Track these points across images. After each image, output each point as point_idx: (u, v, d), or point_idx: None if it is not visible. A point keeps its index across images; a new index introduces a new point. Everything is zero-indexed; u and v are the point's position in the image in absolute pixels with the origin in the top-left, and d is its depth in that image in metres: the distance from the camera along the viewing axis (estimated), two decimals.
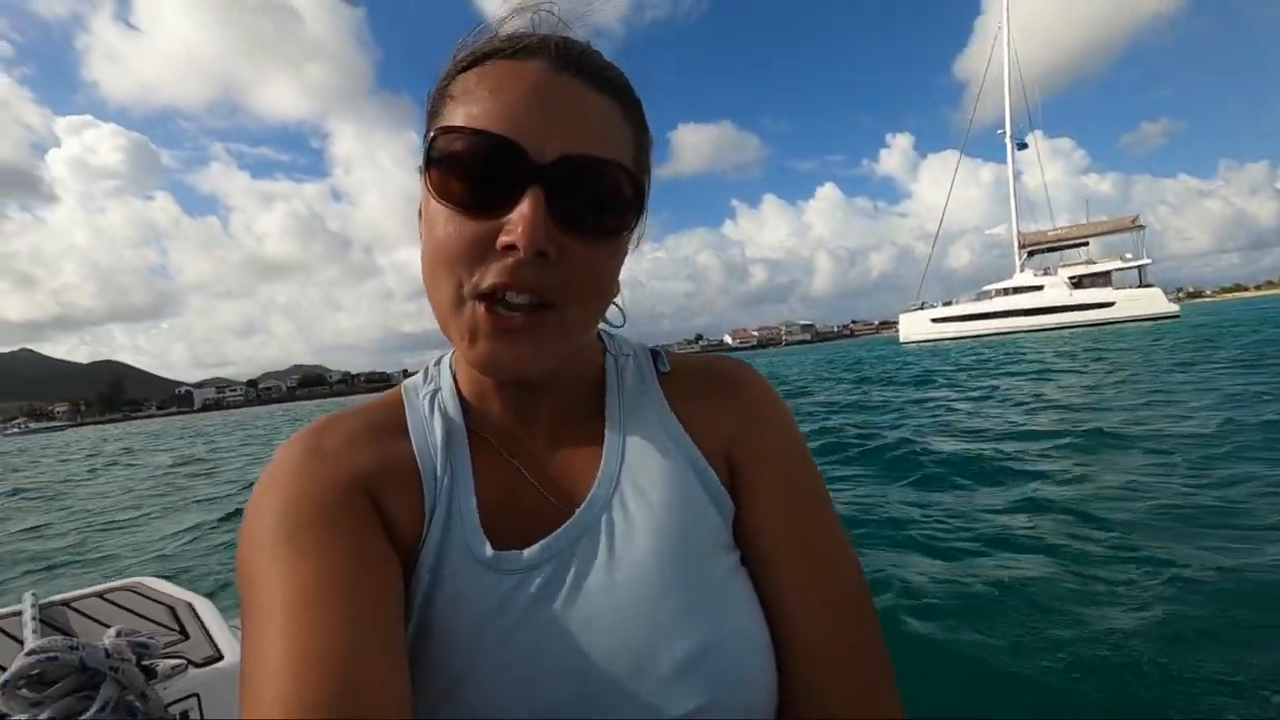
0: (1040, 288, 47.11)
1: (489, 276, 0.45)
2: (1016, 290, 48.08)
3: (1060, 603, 2.50)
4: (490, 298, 0.46)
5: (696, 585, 0.49)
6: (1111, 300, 44.31)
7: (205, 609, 1.19)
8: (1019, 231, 51.71)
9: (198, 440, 22.25)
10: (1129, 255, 46.25)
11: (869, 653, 0.51)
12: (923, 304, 53.05)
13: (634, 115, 0.52)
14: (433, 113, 0.51)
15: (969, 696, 2.06)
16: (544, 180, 0.45)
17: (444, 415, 0.56)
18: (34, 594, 1.13)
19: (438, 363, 0.63)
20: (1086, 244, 49.43)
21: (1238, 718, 1.76)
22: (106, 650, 0.82)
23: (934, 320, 50.50)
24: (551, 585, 0.49)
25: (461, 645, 0.47)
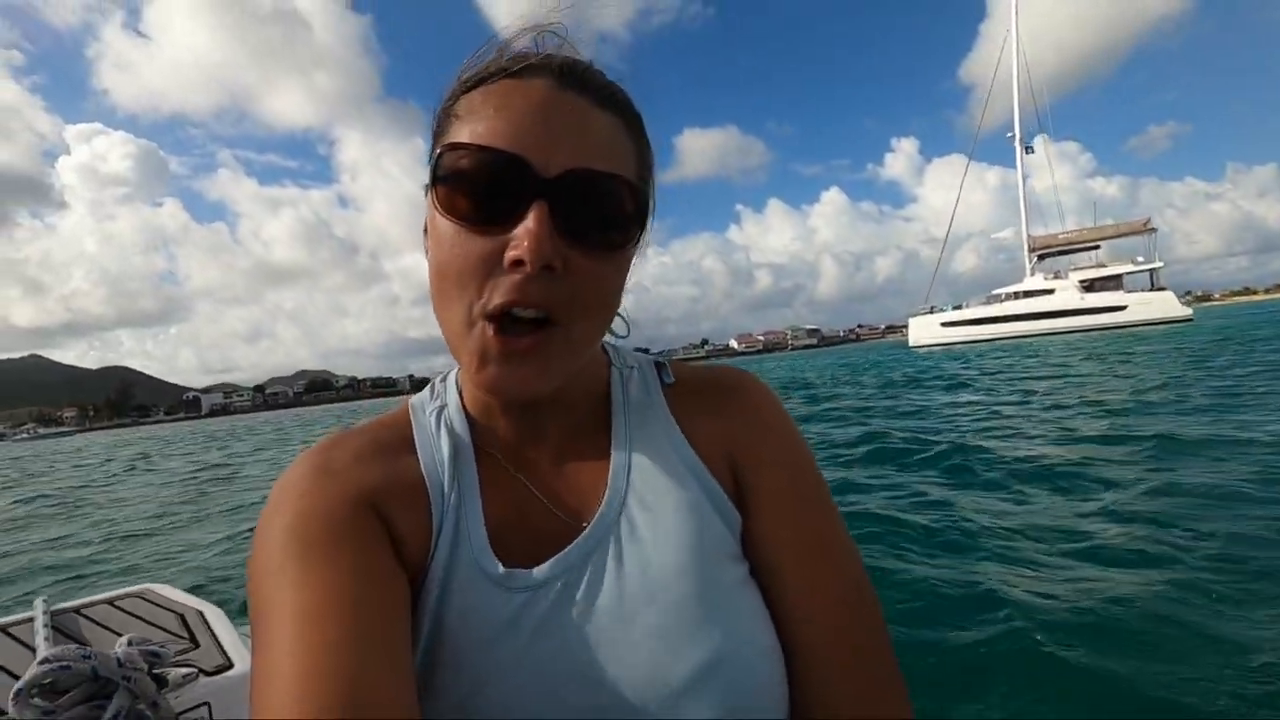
0: (1051, 291, 46.73)
1: (497, 295, 0.46)
2: (1027, 294, 47.71)
3: (1178, 620, 2.36)
4: (499, 318, 0.46)
5: (706, 597, 0.50)
6: (1124, 304, 43.90)
7: (215, 617, 1.18)
8: (1029, 235, 51.40)
9: (212, 446, 22.19)
10: (1140, 258, 45.89)
11: (876, 655, 0.52)
12: (932, 308, 52.75)
13: (636, 130, 0.53)
14: (438, 132, 0.52)
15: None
16: (549, 194, 0.45)
17: (451, 432, 0.57)
18: (45, 600, 1.13)
19: (444, 379, 0.63)
20: (1098, 247, 49.10)
21: None
22: (119, 659, 0.83)
23: (944, 324, 50.18)
24: (562, 602, 0.49)
25: (473, 662, 0.47)
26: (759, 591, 0.53)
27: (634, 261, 0.54)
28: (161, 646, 0.92)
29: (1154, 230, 45.96)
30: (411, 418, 0.59)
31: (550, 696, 0.46)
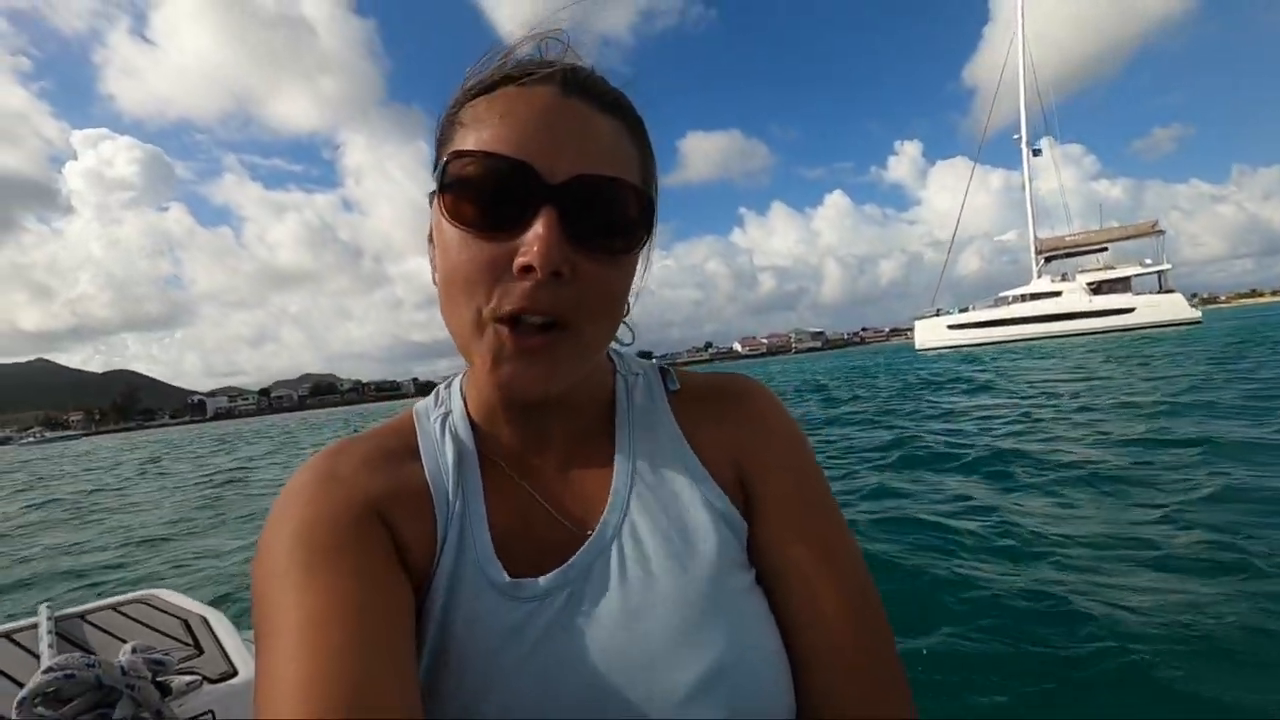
0: (1058, 294, 46.50)
1: (507, 301, 0.46)
2: (1034, 296, 47.49)
3: (1267, 631, 2.24)
4: (510, 322, 0.47)
5: (711, 605, 0.50)
6: (1132, 306, 43.63)
7: (219, 622, 1.18)
8: (1036, 237, 51.19)
9: (221, 450, 22.13)
10: (1148, 260, 45.64)
11: (880, 659, 0.52)
12: (938, 310, 52.54)
13: (640, 136, 0.53)
14: (443, 139, 0.52)
15: None
16: (556, 200, 0.45)
17: (455, 438, 0.57)
18: (49, 606, 1.13)
19: (448, 385, 0.63)
20: (1105, 249, 48.87)
21: None
22: (123, 667, 0.83)
23: (950, 327, 49.97)
24: (566, 611, 0.49)
25: (477, 669, 0.47)
26: (764, 598, 0.54)
27: (640, 267, 0.55)
28: (165, 654, 0.92)
29: (1162, 232, 45.76)
30: (416, 424, 0.59)
31: (554, 704, 0.46)
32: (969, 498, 4.40)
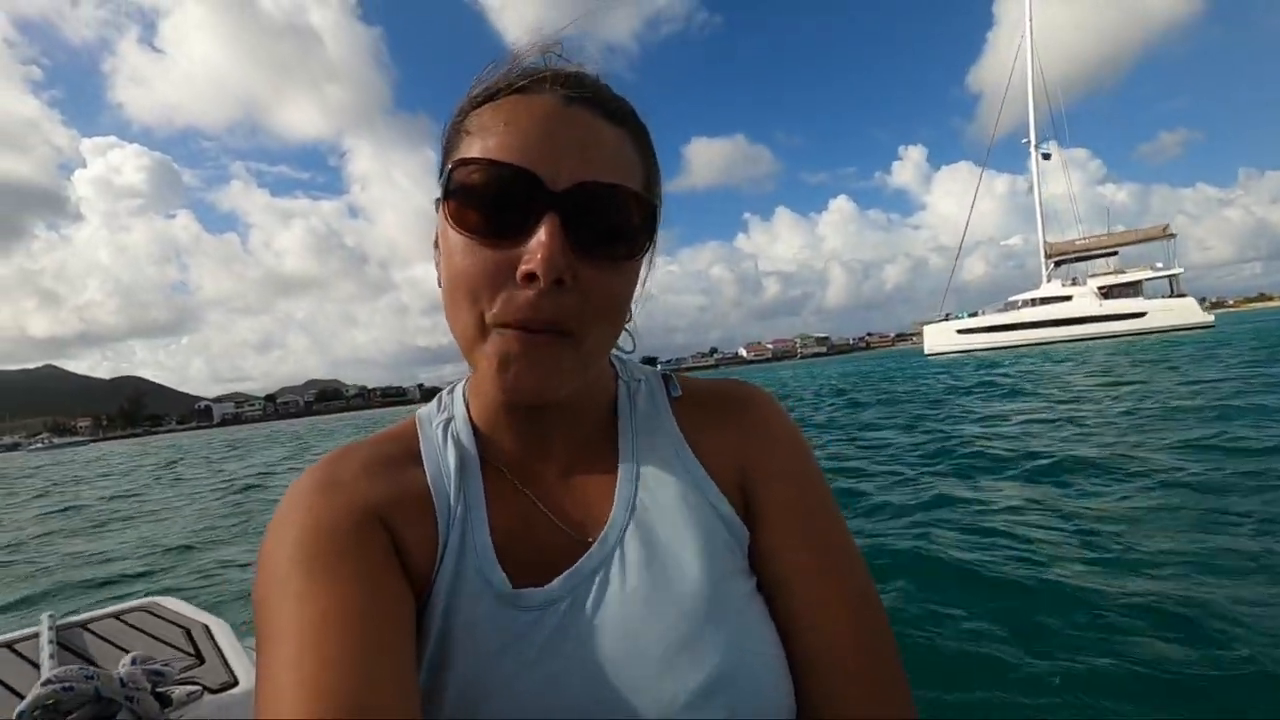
0: (1069, 298, 46.20)
1: (510, 310, 0.46)
2: (1044, 301, 47.19)
3: None
4: (511, 325, 0.47)
5: (713, 613, 0.50)
6: (1143, 310, 43.35)
7: (221, 631, 1.17)
8: (1045, 241, 50.91)
9: (231, 456, 22.02)
10: (1159, 264, 45.35)
11: (882, 666, 0.52)
12: (947, 315, 52.28)
13: (643, 144, 0.54)
14: (448, 148, 0.52)
15: None
16: (559, 207, 0.46)
17: (457, 444, 0.57)
18: (51, 615, 1.12)
19: (451, 391, 0.63)
20: (1115, 253, 48.58)
21: None
22: (122, 679, 0.83)
23: (959, 331, 49.67)
24: (568, 619, 0.49)
25: (477, 678, 0.47)
26: (765, 604, 0.54)
27: (644, 274, 0.55)
28: (165, 665, 0.92)
29: (1173, 236, 45.47)
30: (418, 430, 0.59)
31: (555, 712, 0.46)
32: (1041, 504, 4.21)
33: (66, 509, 10.42)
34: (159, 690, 0.87)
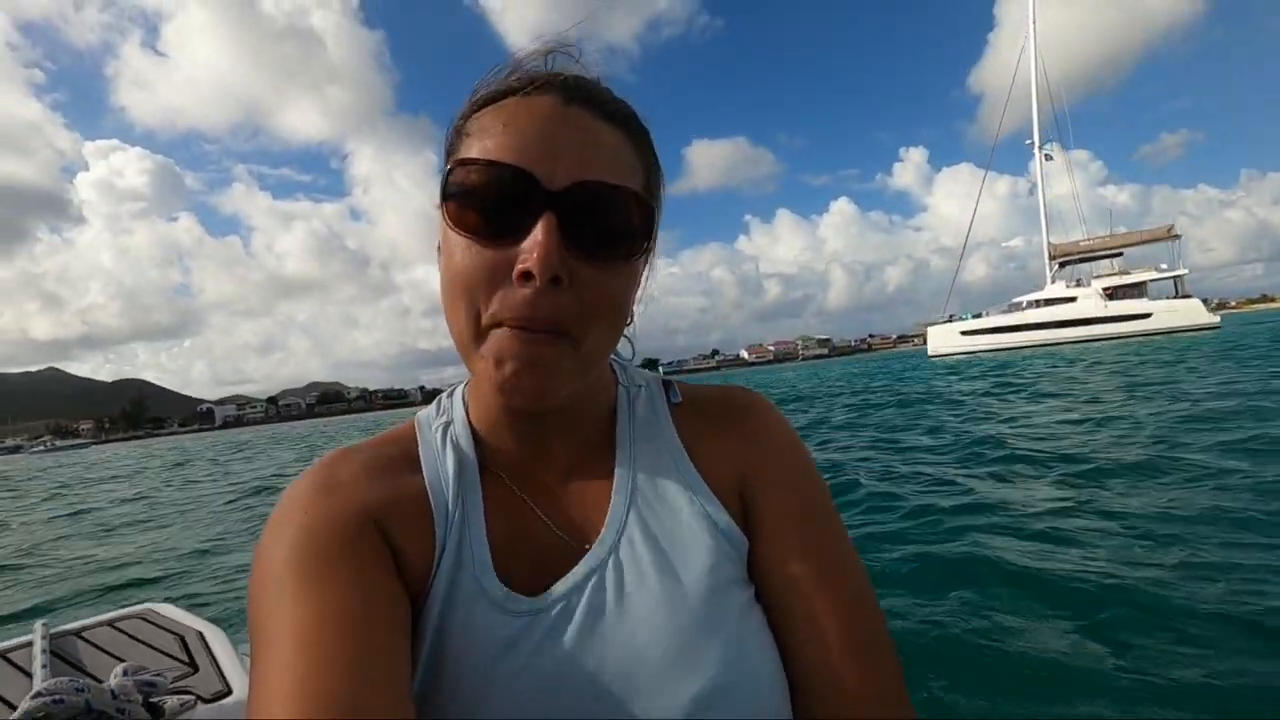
0: (1073, 299, 46.10)
1: (506, 310, 0.46)
2: (1049, 302, 47.07)
3: None
4: (508, 324, 0.47)
5: (709, 623, 0.50)
6: (1149, 311, 43.24)
7: (216, 638, 1.17)
8: (1049, 243, 50.79)
9: (236, 458, 21.93)
10: (1164, 265, 45.26)
11: (882, 676, 0.52)
12: (950, 316, 52.18)
13: (643, 145, 0.53)
14: (450, 150, 0.53)
15: None
16: (556, 207, 0.46)
17: (456, 448, 0.57)
18: (45, 623, 1.12)
19: (450, 394, 0.63)
20: (1120, 254, 48.49)
21: None
22: (113, 691, 0.83)
23: (964, 333, 49.55)
24: (562, 627, 0.49)
25: (471, 684, 0.47)
26: (764, 616, 0.53)
27: (644, 275, 0.55)
28: (158, 675, 0.92)
29: (1178, 237, 45.44)
30: (417, 433, 0.59)
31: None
32: (1090, 507, 4.08)
33: (77, 512, 10.30)
34: (151, 701, 0.86)
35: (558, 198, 0.46)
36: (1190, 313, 41.95)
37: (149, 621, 1.25)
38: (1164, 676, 2.12)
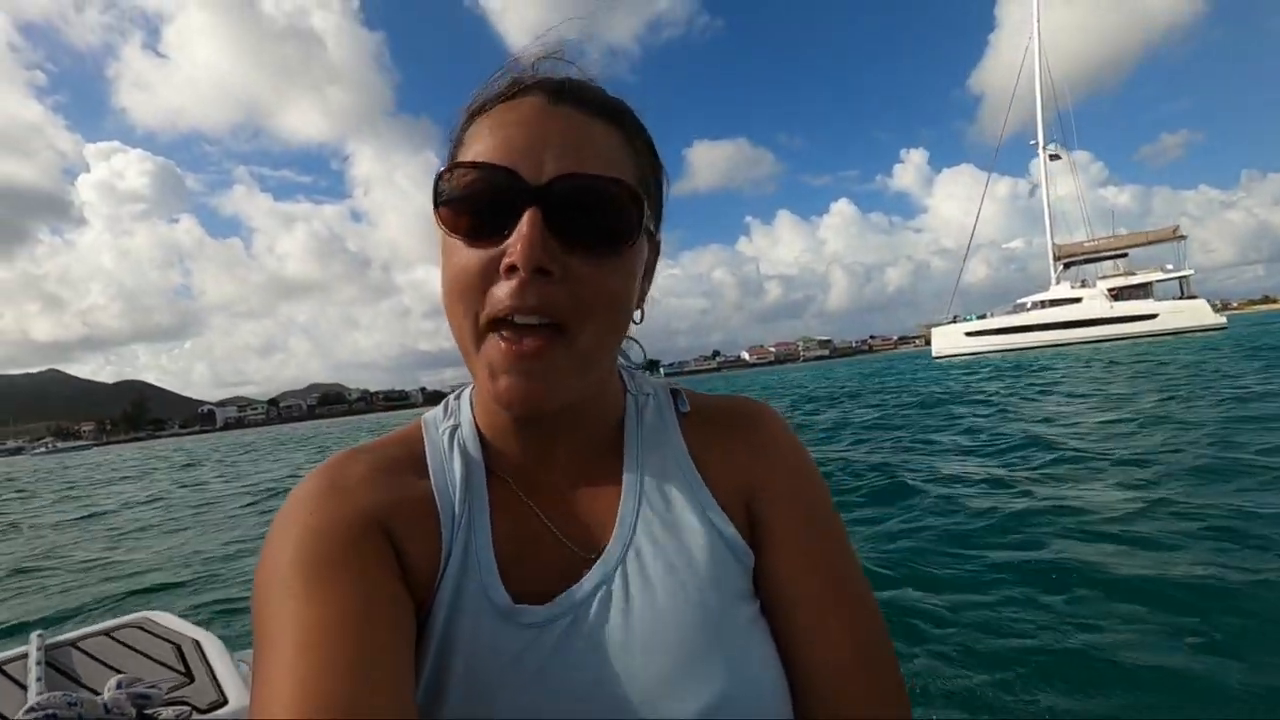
0: (1079, 300, 45.95)
1: (497, 303, 0.46)
2: (1054, 303, 46.92)
3: None
4: (503, 324, 0.47)
5: (714, 638, 0.50)
6: (1154, 312, 43.13)
7: (212, 647, 1.16)
8: (1054, 244, 50.67)
9: (242, 460, 21.78)
10: (1169, 266, 45.14)
11: (886, 691, 0.52)
12: (954, 317, 52.04)
13: (635, 138, 0.53)
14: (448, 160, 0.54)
15: None
16: (541, 200, 0.46)
17: (463, 452, 0.57)
18: (40, 634, 1.12)
19: (458, 396, 0.63)
20: (1125, 255, 48.37)
21: None
22: (105, 705, 0.83)
23: (968, 334, 49.41)
24: (568, 638, 0.49)
25: (476, 694, 0.47)
26: (769, 630, 0.53)
27: (644, 270, 0.55)
28: (152, 686, 0.92)
29: (1183, 238, 45.36)
30: (424, 435, 0.59)
31: None
32: (1170, 508, 3.92)
33: (90, 514, 10.16)
34: (146, 713, 0.86)
35: (542, 192, 0.46)
36: (1197, 313, 41.85)
37: (145, 630, 1.24)
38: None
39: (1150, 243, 46.99)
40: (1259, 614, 2.47)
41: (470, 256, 0.48)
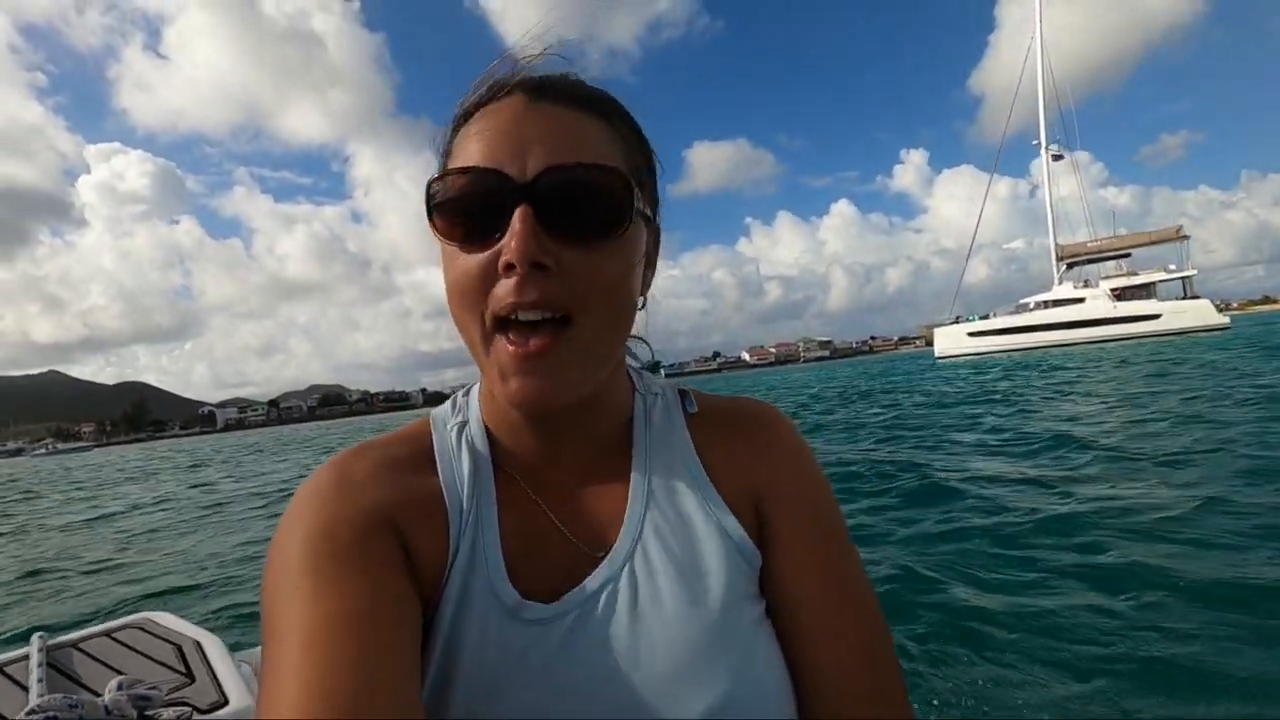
0: (1081, 300, 45.88)
1: (499, 300, 0.47)
2: (1057, 303, 46.84)
3: None
4: (507, 323, 0.48)
5: (719, 639, 0.50)
6: (1158, 312, 43.05)
7: (213, 647, 1.16)
8: (1056, 244, 50.60)
9: (246, 460, 21.68)
10: (1172, 266, 45.08)
11: (889, 694, 0.53)
12: (957, 318, 51.96)
13: (622, 128, 0.54)
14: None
15: None
16: (529, 196, 0.46)
17: (471, 449, 0.57)
18: (42, 636, 1.13)
19: (467, 393, 0.63)
20: (1128, 255, 48.30)
21: None
22: (106, 707, 0.84)
23: (971, 334, 49.33)
24: (574, 636, 0.49)
25: (482, 691, 0.47)
26: (774, 631, 0.54)
27: (642, 255, 0.55)
28: (153, 687, 0.93)
29: (1186, 238, 45.32)
30: (432, 432, 0.59)
31: None
32: (1239, 508, 3.81)
33: (100, 516, 10.06)
34: (147, 714, 0.86)
35: (529, 188, 0.46)
36: (1200, 313, 41.77)
37: (146, 631, 1.24)
38: None
39: (1154, 243, 46.92)
40: None
41: (469, 261, 0.48)
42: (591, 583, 0.52)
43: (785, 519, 0.56)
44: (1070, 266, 50.15)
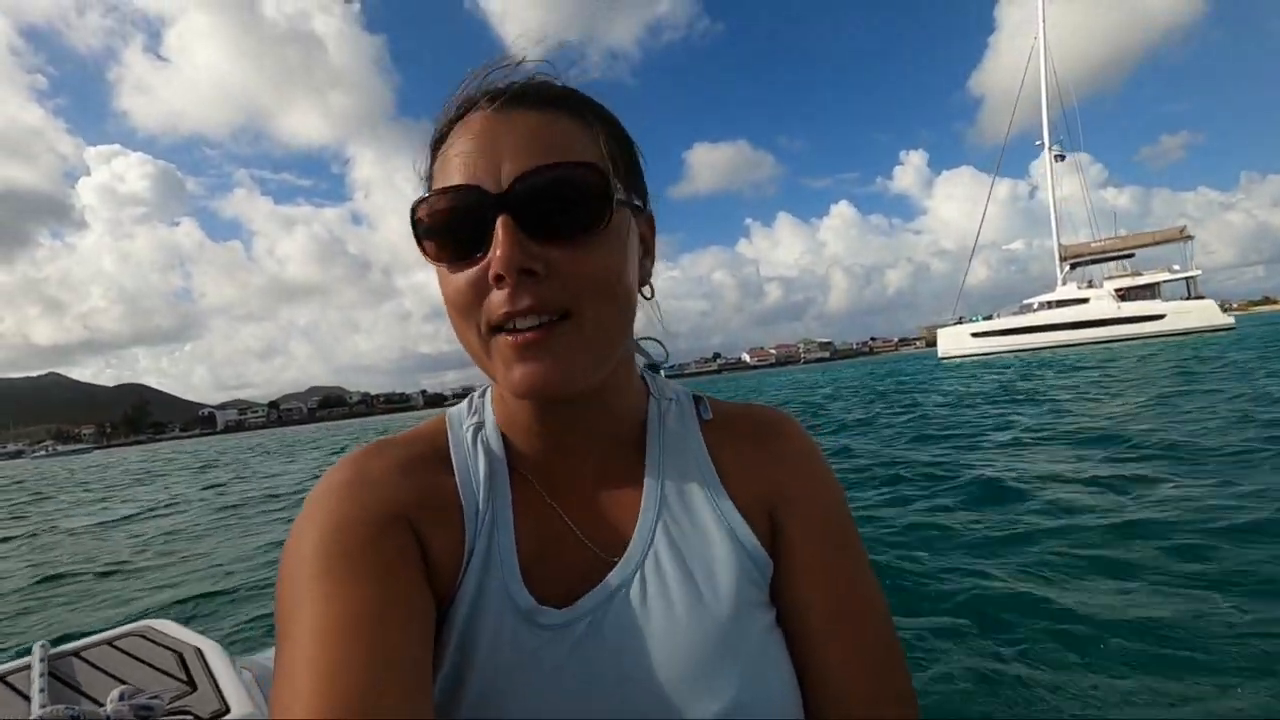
0: (1085, 301, 45.72)
1: (494, 311, 0.48)
2: (1060, 303, 46.68)
3: None
4: (504, 329, 0.48)
5: (729, 646, 0.50)
6: (1162, 313, 42.89)
7: (215, 655, 1.17)
8: (1060, 244, 50.47)
9: (252, 461, 21.48)
10: (1176, 266, 44.94)
11: (899, 695, 0.53)
12: (960, 319, 51.81)
13: (595, 122, 0.53)
14: None
15: None
16: (507, 205, 0.47)
17: (487, 450, 0.57)
18: (44, 644, 1.13)
19: (482, 394, 0.63)
20: (1132, 255, 48.17)
21: None
22: (109, 717, 0.85)
23: (974, 335, 49.16)
24: (586, 641, 0.50)
25: (494, 693, 0.47)
26: (783, 638, 0.54)
27: (636, 244, 0.55)
28: (155, 697, 0.93)
29: (1190, 238, 45.16)
30: (449, 432, 0.59)
31: None
32: None
33: (112, 519, 9.87)
34: None
35: (505, 197, 0.47)
36: (1205, 314, 41.60)
37: (147, 639, 1.24)
38: None
39: (1157, 243, 46.78)
40: None
41: (460, 278, 0.49)
42: (604, 588, 0.52)
43: (798, 526, 0.56)
44: (1073, 267, 49.99)
